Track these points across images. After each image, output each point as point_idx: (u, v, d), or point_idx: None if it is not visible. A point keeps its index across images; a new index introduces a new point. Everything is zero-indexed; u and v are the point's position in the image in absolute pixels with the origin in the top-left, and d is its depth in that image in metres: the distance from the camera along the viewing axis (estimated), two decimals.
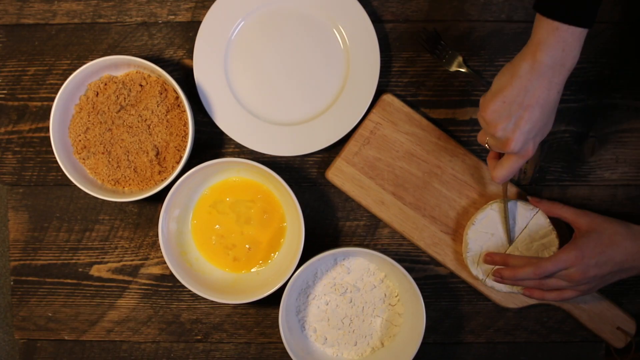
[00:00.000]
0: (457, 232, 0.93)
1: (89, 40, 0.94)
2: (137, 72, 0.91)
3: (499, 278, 0.85)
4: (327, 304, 0.92)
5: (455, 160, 0.93)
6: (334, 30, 0.92)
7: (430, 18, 0.93)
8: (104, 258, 0.96)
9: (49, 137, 0.92)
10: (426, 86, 0.94)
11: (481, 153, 0.94)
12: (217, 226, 0.93)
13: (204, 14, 0.92)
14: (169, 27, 0.94)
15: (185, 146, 0.89)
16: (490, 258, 0.88)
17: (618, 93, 0.93)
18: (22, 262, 0.96)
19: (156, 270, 0.96)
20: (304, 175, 0.95)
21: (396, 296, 0.92)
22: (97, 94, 0.91)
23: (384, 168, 0.93)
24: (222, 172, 0.93)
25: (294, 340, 0.91)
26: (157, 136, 0.90)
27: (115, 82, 0.91)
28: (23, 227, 0.96)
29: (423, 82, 0.94)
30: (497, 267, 0.88)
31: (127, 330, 0.97)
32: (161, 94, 0.90)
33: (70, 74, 0.88)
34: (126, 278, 0.96)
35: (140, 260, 0.96)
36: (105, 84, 0.91)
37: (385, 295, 0.93)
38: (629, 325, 0.93)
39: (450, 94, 0.94)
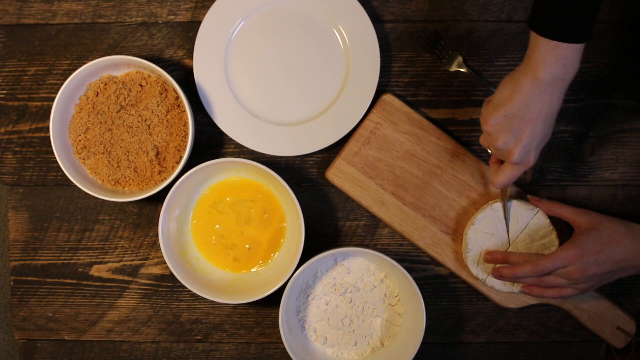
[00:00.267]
0: (457, 232, 0.93)
1: (89, 40, 0.94)
2: (137, 72, 0.91)
3: (499, 276, 0.85)
4: (327, 304, 0.92)
5: (455, 160, 0.93)
6: (334, 30, 0.93)
7: (430, 18, 0.94)
8: (104, 258, 0.96)
9: (49, 137, 0.92)
10: (426, 86, 0.94)
11: (481, 153, 0.94)
12: (217, 226, 0.93)
13: (204, 14, 0.92)
14: (169, 27, 0.94)
15: (185, 146, 0.89)
16: (490, 256, 0.88)
17: (618, 93, 0.93)
18: (22, 262, 0.96)
19: (156, 270, 0.96)
20: (304, 175, 0.95)
21: (396, 296, 0.92)
22: (97, 94, 0.91)
23: (384, 168, 0.93)
24: (222, 172, 0.93)
25: (294, 340, 0.91)
26: (157, 136, 0.90)
27: (115, 82, 0.91)
28: (23, 227, 0.96)
29: (423, 82, 0.94)
30: (497, 265, 0.88)
31: (127, 330, 0.97)
32: (161, 94, 0.90)
33: (70, 74, 0.88)
34: (126, 278, 0.96)
35: (140, 260, 0.96)
36: (105, 84, 0.91)
37: (385, 295, 0.93)
38: (629, 325, 0.93)
39: (450, 94, 0.94)
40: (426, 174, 0.93)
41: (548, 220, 0.89)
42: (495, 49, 0.93)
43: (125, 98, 0.90)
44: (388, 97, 0.92)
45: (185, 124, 0.90)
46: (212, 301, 0.93)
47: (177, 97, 0.91)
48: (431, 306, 0.95)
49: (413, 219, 0.93)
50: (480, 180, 0.93)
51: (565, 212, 0.87)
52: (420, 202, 0.93)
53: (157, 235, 0.93)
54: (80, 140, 0.91)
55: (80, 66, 0.88)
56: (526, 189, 0.94)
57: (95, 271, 0.96)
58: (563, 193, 0.94)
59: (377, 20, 0.93)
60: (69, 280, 0.96)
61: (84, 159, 0.91)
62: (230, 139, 0.94)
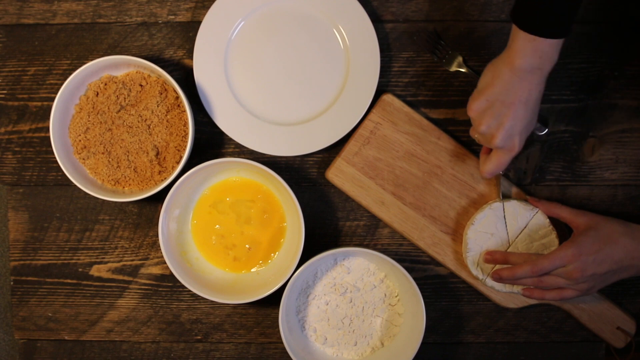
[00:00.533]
0: (457, 232, 0.93)
1: (89, 40, 0.94)
2: (137, 72, 0.91)
3: (498, 278, 0.85)
4: (327, 304, 0.92)
5: (455, 160, 0.93)
6: (334, 30, 0.93)
7: (430, 18, 0.94)
8: (104, 258, 0.96)
9: (49, 137, 0.92)
10: (426, 86, 0.94)
11: (476, 151, 0.94)
12: (217, 226, 0.93)
13: (204, 14, 0.92)
14: (169, 27, 0.94)
15: (185, 146, 0.89)
16: (490, 256, 0.88)
17: (618, 93, 0.93)
18: (22, 262, 0.96)
19: (156, 270, 0.96)
20: (304, 175, 0.95)
21: (396, 296, 0.92)
22: (97, 94, 0.91)
23: (384, 168, 0.93)
24: (222, 172, 0.93)
25: (294, 340, 0.91)
26: (157, 136, 0.90)
27: (115, 82, 0.91)
28: (23, 227, 0.96)
29: (423, 82, 0.94)
30: (496, 266, 0.88)
31: (127, 330, 0.97)
32: (161, 94, 0.90)
33: (70, 74, 0.88)
34: (126, 278, 0.96)
35: (140, 260, 0.96)
36: (105, 84, 0.91)
37: (385, 295, 0.93)
38: (629, 325, 0.93)
39: (450, 94, 0.94)
40: (426, 174, 0.93)
41: (548, 220, 0.89)
42: (495, 49, 0.93)
43: (125, 98, 0.90)
44: (388, 97, 0.92)
45: (185, 124, 0.90)
46: (212, 301, 0.93)
47: (177, 97, 0.91)
48: (431, 306, 0.95)
49: (413, 219, 0.93)
50: (480, 181, 0.93)
51: (564, 213, 0.87)
52: (420, 202, 0.93)
53: (157, 235, 0.93)
54: (80, 140, 0.91)
55: (80, 66, 0.88)
56: (526, 189, 0.94)
57: (95, 271, 0.96)
58: (563, 193, 0.94)
59: (377, 20, 0.93)
60: (69, 280, 0.96)
61: (84, 159, 0.91)
62: (230, 139, 0.94)
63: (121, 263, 0.96)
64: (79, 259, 0.96)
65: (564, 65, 0.92)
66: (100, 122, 0.91)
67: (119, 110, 0.91)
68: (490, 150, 0.84)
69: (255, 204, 0.93)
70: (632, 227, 0.83)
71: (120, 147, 0.91)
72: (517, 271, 0.83)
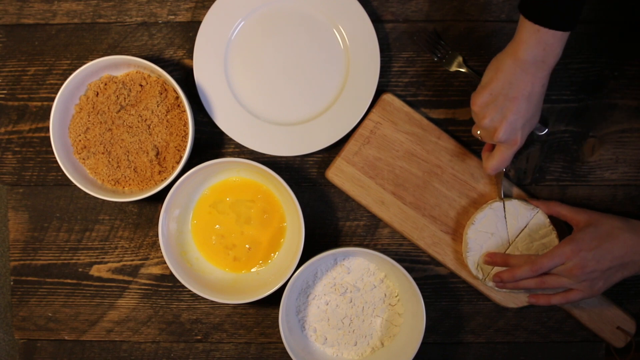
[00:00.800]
0: (457, 232, 0.93)
1: (89, 40, 0.94)
2: (137, 72, 0.91)
3: (500, 282, 0.86)
4: (327, 304, 0.92)
5: (455, 160, 0.93)
6: (334, 30, 0.92)
7: (430, 18, 0.94)
8: (104, 258, 0.96)
9: (49, 137, 0.92)
10: (426, 86, 0.94)
11: (476, 151, 0.94)
12: (217, 226, 0.93)
13: (204, 14, 0.92)
14: (169, 27, 0.94)
15: (185, 146, 0.89)
16: (490, 259, 0.88)
17: (618, 93, 0.93)
18: (22, 262, 0.96)
19: (156, 270, 0.96)
20: (304, 175, 0.95)
21: (396, 296, 0.92)
22: (97, 94, 0.91)
23: (384, 168, 0.93)
24: (222, 172, 0.93)
25: (294, 340, 0.91)
26: (157, 136, 0.90)
27: (115, 82, 0.91)
28: (23, 227, 0.96)
29: (423, 82, 0.94)
30: (497, 268, 0.88)
31: (127, 330, 0.97)
32: (161, 94, 0.90)
33: (70, 74, 0.88)
34: (126, 278, 0.96)
35: (140, 260, 0.96)
36: (105, 84, 0.91)
37: (385, 295, 0.93)
38: (629, 325, 0.93)
39: (450, 94, 0.94)
40: (426, 173, 0.93)
41: (548, 220, 0.89)
42: (495, 49, 0.93)
43: (125, 98, 0.90)
44: (388, 97, 0.92)
45: (185, 124, 0.90)
46: (212, 301, 0.93)
47: (177, 97, 0.91)
48: (431, 306, 0.95)
49: (413, 219, 0.93)
50: (480, 180, 0.93)
51: (564, 210, 0.87)
52: (420, 202, 0.93)
53: (157, 235, 0.93)
54: (80, 140, 0.91)
55: (80, 66, 0.88)
56: (526, 189, 0.94)
57: (95, 271, 0.96)
58: (563, 193, 0.94)
59: (377, 20, 0.93)
60: (69, 280, 0.96)
61: (84, 159, 0.91)
62: (230, 139, 0.94)
63: (121, 263, 0.96)
64: (79, 259, 0.96)
65: (564, 65, 0.92)
66: (100, 122, 0.91)
67: (119, 110, 0.91)
68: (492, 147, 0.85)
69: (255, 204, 0.93)
70: (633, 223, 0.83)
71: (120, 147, 0.91)
72: (518, 272, 0.83)
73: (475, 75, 0.92)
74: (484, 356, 0.97)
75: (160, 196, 0.90)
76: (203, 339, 0.97)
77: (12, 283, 0.97)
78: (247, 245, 0.93)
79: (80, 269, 0.96)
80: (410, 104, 0.94)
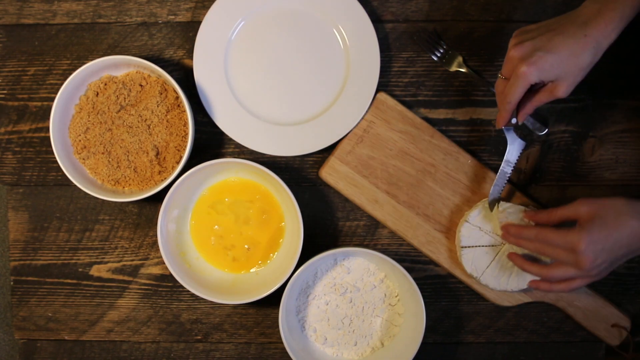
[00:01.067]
0: (450, 230, 0.93)
1: (89, 40, 0.94)
2: (137, 72, 0.91)
3: (506, 234, 0.84)
4: (327, 304, 0.92)
5: (448, 158, 0.93)
6: (334, 30, 0.92)
7: (430, 18, 0.93)
8: (104, 258, 0.96)
9: (49, 137, 0.92)
10: (426, 86, 0.94)
11: (475, 151, 0.94)
12: (216, 226, 0.93)
13: (204, 14, 0.92)
14: (169, 27, 0.94)
15: (185, 146, 0.89)
16: (506, 231, 0.86)
17: (618, 93, 0.93)
18: (22, 262, 0.96)
19: (156, 270, 0.96)
20: (304, 175, 0.95)
21: (396, 296, 0.92)
22: (97, 94, 0.91)
23: (377, 166, 0.93)
24: (221, 173, 0.93)
25: (294, 340, 0.91)
26: (157, 136, 0.90)
27: (115, 82, 0.91)
28: (23, 227, 0.96)
29: (423, 82, 0.94)
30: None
31: (127, 330, 0.97)
32: (161, 94, 0.90)
33: (70, 74, 0.88)
34: (126, 278, 0.96)
35: (140, 260, 0.96)
36: (105, 84, 0.91)
37: (385, 295, 0.93)
38: (624, 322, 0.93)
39: (450, 94, 0.94)
40: (420, 172, 0.93)
41: None
42: (495, 49, 0.93)
43: (125, 98, 0.90)
44: (381, 96, 0.92)
45: (185, 124, 0.90)
46: (212, 301, 0.93)
47: (177, 97, 0.91)
48: (431, 306, 0.95)
49: (407, 218, 0.93)
50: (473, 178, 0.93)
51: (564, 212, 0.82)
52: (414, 201, 0.93)
53: (157, 236, 0.93)
54: (80, 140, 0.91)
55: (80, 66, 0.88)
56: (526, 189, 0.94)
57: (95, 271, 0.96)
58: (563, 193, 0.94)
59: (377, 20, 0.93)
60: (69, 280, 0.96)
61: (84, 159, 0.91)
62: (230, 139, 0.94)
63: (121, 263, 0.96)
64: (79, 259, 0.96)
65: None
66: (100, 122, 0.91)
67: (119, 110, 0.91)
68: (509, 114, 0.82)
69: (254, 204, 0.93)
70: (637, 206, 0.78)
71: (120, 147, 0.91)
72: (524, 231, 0.81)
73: (475, 75, 0.92)
74: (484, 356, 0.97)
75: (160, 196, 0.90)
76: (203, 339, 0.97)
77: (12, 283, 0.97)
78: (246, 246, 0.93)
79: (80, 269, 0.96)
80: (410, 104, 0.94)
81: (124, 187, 0.92)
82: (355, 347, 0.93)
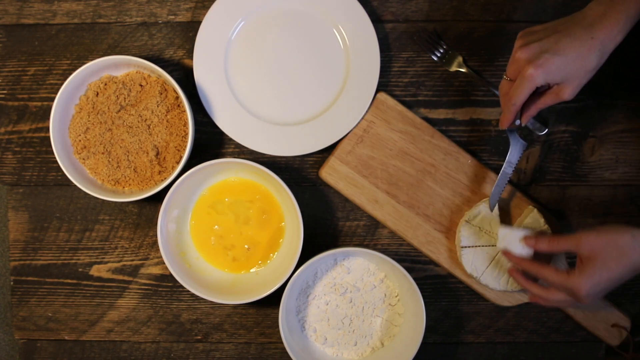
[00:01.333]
0: (450, 230, 0.93)
1: (89, 40, 0.94)
2: (137, 72, 0.91)
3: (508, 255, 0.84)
4: (327, 304, 0.92)
5: (448, 158, 0.93)
6: (334, 30, 0.92)
7: (430, 18, 0.93)
8: (104, 258, 0.96)
9: (49, 137, 0.92)
10: (426, 86, 0.94)
11: (475, 151, 0.94)
12: (216, 226, 0.93)
13: (204, 14, 0.92)
14: (169, 27, 0.94)
15: (185, 146, 0.89)
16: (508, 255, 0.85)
17: (618, 93, 0.93)
18: (22, 262, 0.96)
19: (156, 270, 0.96)
20: (304, 175, 0.95)
21: (396, 296, 0.92)
22: (97, 94, 0.91)
23: (377, 166, 0.93)
24: (221, 173, 0.93)
25: (294, 340, 0.91)
26: (157, 136, 0.90)
27: (115, 82, 0.91)
28: (23, 227, 0.96)
29: (423, 82, 0.94)
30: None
31: (127, 330, 0.97)
32: (161, 94, 0.90)
33: (70, 74, 0.88)
34: (126, 278, 0.96)
35: (140, 260, 0.96)
36: (105, 84, 0.91)
37: (385, 295, 0.93)
38: (624, 323, 0.93)
39: (450, 94, 0.94)
40: (420, 172, 0.93)
41: (543, 219, 0.89)
42: (495, 49, 0.93)
43: (125, 98, 0.90)
44: (381, 96, 0.92)
45: (185, 124, 0.90)
46: (212, 301, 0.93)
47: (177, 97, 0.91)
48: (431, 306, 0.95)
49: (407, 218, 0.93)
50: (473, 179, 0.93)
51: (565, 245, 0.79)
52: (414, 201, 0.93)
53: (157, 236, 0.93)
54: (80, 140, 0.91)
55: (80, 66, 0.88)
56: (526, 189, 0.94)
57: (95, 271, 0.96)
58: (563, 193, 0.94)
59: (377, 20, 0.93)
60: (69, 280, 0.96)
61: (84, 159, 0.91)
62: (230, 139, 0.94)
63: (121, 263, 0.96)
64: (79, 259, 0.96)
65: None
66: (100, 122, 0.91)
67: (119, 110, 0.91)
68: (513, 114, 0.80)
69: (254, 205, 0.93)
70: (638, 237, 0.76)
71: (120, 147, 0.91)
72: (525, 265, 0.81)
73: (475, 75, 0.92)
74: (484, 356, 0.97)
75: (160, 196, 0.90)
76: (203, 339, 0.97)
77: (12, 283, 0.97)
78: (246, 246, 0.93)
79: (80, 269, 0.96)
80: (410, 104, 0.94)
81: (124, 187, 0.92)
82: (355, 347, 0.93)
